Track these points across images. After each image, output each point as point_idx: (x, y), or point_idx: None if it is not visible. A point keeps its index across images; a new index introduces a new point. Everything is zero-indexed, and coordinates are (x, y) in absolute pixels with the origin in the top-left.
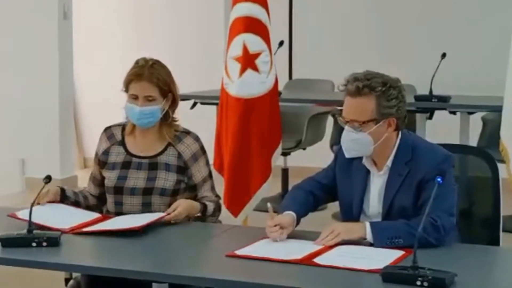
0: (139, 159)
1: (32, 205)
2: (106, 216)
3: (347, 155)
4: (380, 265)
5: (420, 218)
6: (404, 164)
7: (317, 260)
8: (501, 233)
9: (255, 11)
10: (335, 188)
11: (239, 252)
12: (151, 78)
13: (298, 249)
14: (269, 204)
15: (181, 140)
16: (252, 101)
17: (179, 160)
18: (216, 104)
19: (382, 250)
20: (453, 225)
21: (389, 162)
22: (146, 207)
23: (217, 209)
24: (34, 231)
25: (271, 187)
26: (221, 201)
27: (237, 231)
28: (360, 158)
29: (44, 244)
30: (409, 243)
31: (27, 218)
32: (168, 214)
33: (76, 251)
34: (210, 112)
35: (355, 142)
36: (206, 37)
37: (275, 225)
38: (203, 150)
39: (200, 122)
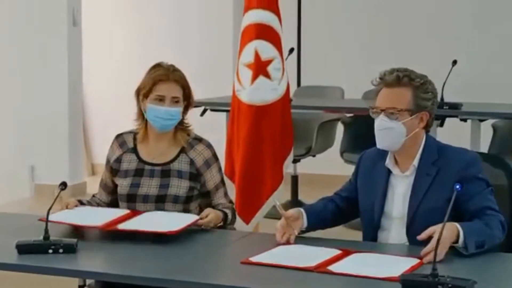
0: (151, 166)
1: (48, 211)
2: (135, 211)
3: (378, 145)
4: (395, 273)
5: (490, 218)
6: (431, 164)
7: (331, 267)
8: None
9: (267, 18)
10: (355, 200)
11: (253, 259)
12: (176, 79)
13: (313, 256)
14: (277, 202)
15: (193, 147)
16: (264, 108)
17: (191, 167)
18: (226, 111)
19: (397, 258)
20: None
21: (415, 162)
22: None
23: (234, 215)
24: (51, 238)
25: (280, 194)
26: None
27: (252, 238)
28: (383, 161)
29: (61, 250)
30: (490, 245)
31: (62, 221)
32: (201, 218)
33: (93, 258)
34: (219, 119)
35: (389, 131)
36: (215, 44)
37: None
38: (215, 157)
39: (210, 129)
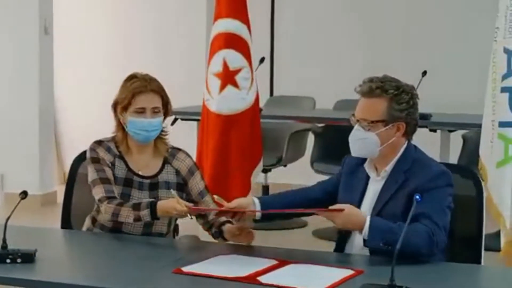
0: (140, 179)
1: (6, 221)
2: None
3: (353, 154)
4: (323, 285)
5: (417, 226)
6: (402, 172)
7: (261, 278)
8: (483, 252)
9: (236, 27)
10: (334, 194)
11: (185, 269)
12: (154, 89)
13: (246, 267)
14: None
15: (175, 156)
16: (232, 117)
17: (178, 177)
18: (197, 120)
19: (331, 268)
20: (445, 243)
21: (388, 168)
22: (148, 227)
23: None
24: (9, 247)
25: None
26: None
27: (195, 246)
28: (364, 164)
29: (19, 260)
30: (402, 250)
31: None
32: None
33: (51, 267)
34: (191, 129)
35: (362, 141)
36: (188, 53)
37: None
38: (196, 165)
39: (181, 139)
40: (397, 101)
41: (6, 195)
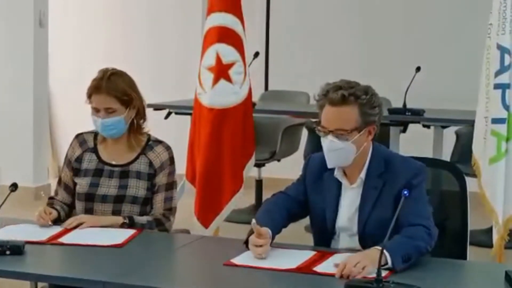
0: (111, 167)
1: None
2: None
3: (329, 165)
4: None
5: (415, 228)
6: (377, 177)
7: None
8: (469, 247)
9: (229, 21)
10: (303, 202)
11: (236, 261)
12: (108, 90)
13: (290, 259)
14: (254, 221)
15: (153, 148)
16: (224, 111)
17: (150, 168)
18: (190, 114)
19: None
20: (437, 233)
21: (362, 175)
22: (117, 215)
23: (154, 224)
24: None
25: (245, 198)
26: (171, 217)
27: (207, 241)
28: (332, 170)
29: (8, 252)
30: (417, 256)
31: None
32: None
33: (40, 260)
34: (185, 122)
35: (340, 152)
36: (183, 47)
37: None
38: (171, 160)
39: (175, 132)
40: (371, 106)
41: (0, 187)
